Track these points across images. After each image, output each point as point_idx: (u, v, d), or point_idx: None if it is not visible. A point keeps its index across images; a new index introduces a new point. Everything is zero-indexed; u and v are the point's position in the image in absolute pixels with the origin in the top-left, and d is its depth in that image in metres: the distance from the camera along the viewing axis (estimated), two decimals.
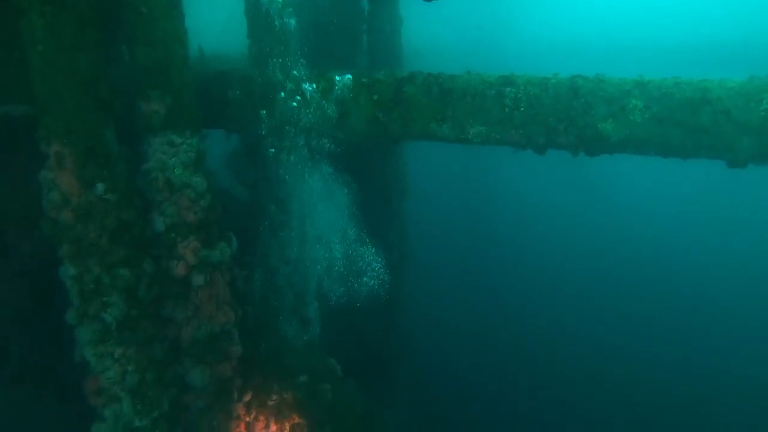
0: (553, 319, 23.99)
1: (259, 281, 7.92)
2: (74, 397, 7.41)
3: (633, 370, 21.00)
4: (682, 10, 34.49)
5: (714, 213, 30.33)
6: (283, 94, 6.67)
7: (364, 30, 9.86)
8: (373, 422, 7.50)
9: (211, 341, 6.63)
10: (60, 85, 5.13)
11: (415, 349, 12.88)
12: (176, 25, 5.87)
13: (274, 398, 7.50)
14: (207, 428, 6.88)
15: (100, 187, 5.47)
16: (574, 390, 19.44)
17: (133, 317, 5.92)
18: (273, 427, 7.43)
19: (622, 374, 20.84)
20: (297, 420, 7.45)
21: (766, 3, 28.25)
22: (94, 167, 5.43)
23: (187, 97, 6.02)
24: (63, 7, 5.01)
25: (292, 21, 6.69)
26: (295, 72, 6.68)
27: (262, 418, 7.44)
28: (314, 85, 6.65)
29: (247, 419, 7.42)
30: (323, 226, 8.18)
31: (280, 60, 6.58)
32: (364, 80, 6.44)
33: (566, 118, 5.90)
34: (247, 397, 7.39)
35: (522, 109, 6.00)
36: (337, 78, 6.55)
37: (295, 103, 6.64)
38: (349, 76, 6.50)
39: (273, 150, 6.95)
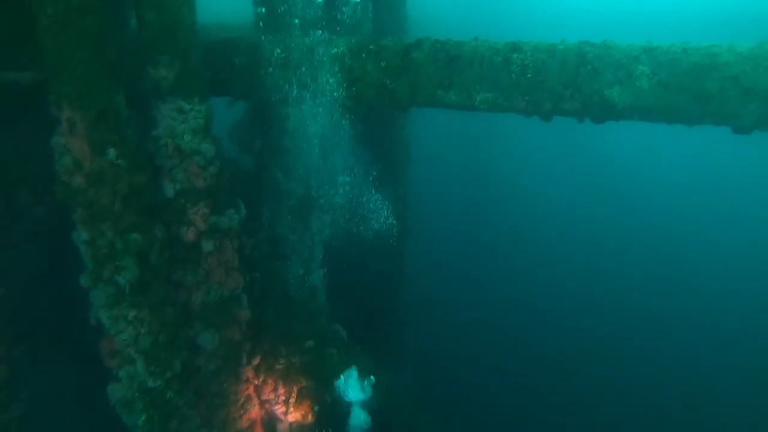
0: (556, 291, 24.24)
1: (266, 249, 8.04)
2: (88, 359, 7.65)
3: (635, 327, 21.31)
4: None
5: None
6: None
7: None
8: (378, 386, 7.66)
9: (220, 305, 6.78)
10: (70, 48, 5.14)
11: (418, 316, 13.10)
12: None
13: (281, 362, 7.68)
14: (217, 390, 7.08)
15: (111, 152, 5.53)
16: (578, 358, 19.75)
17: (146, 281, 6.03)
18: (281, 391, 7.63)
19: (622, 330, 21.17)
20: (304, 383, 7.65)
21: None
22: (105, 132, 5.48)
23: (195, 63, 6.04)
24: None
25: None
26: None
27: (270, 381, 7.64)
28: None
29: (256, 382, 7.63)
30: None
31: None
32: (371, 47, 6.44)
33: (572, 84, 5.92)
34: (256, 361, 7.57)
35: (529, 75, 6.00)
36: None
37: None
38: None
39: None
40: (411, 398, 8.78)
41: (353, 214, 9.09)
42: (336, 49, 6.53)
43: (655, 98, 5.67)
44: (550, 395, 18.39)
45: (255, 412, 7.50)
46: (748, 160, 30.78)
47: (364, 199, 9.14)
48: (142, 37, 5.86)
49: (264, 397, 7.63)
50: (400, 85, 6.31)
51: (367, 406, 7.08)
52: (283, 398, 7.58)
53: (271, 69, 6.75)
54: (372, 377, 7.18)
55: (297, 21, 6.89)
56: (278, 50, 6.71)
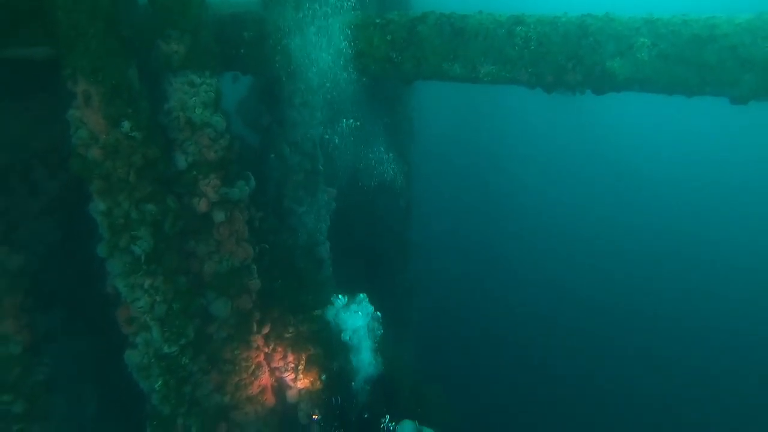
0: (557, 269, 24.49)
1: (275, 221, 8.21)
2: (101, 331, 7.89)
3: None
4: None
5: None
6: None
7: None
8: (384, 353, 7.90)
9: (232, 275, 6.99)
10: (84, 22, 5.27)
11: (423, 288, 13.33)
12: None
13: (290, 331, 7.91)
14: (229, 357, 7.31)
15: (126, 124, 5.68)
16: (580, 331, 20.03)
17: (160, 250, 6.22)
18: (290, 358, 7.87)
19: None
20: (312, 351, 7.88)
21: None
22: (120, 105, 5.62)
23: (206, 37, 6.15)
24: None
25: None
26: None
27: (279, 349, 7.88)
28: None
29: (266, 350, 7.86)
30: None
31: None
32: (377, 21, 6.54)
33: (575, 56, 6.04)
34: (266, 330, 7.80)
35: (532, 47, 6.13)
36: None
37: None
38: None
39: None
40: (415, 369, 9.03)
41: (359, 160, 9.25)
42: None
43: (655, 69, 5.80)
44: (551, 370, 18.72)
45: (265, 378, 7.74)
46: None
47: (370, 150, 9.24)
48: (153, 12, 5.97)
49: (274, 365, 7.87)
50: (406, 58, 6.43)
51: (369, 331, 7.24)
52: (292, 365, 7.83)
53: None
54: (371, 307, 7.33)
55: None
56: None
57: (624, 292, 23.31)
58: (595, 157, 33.86)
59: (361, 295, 7.44)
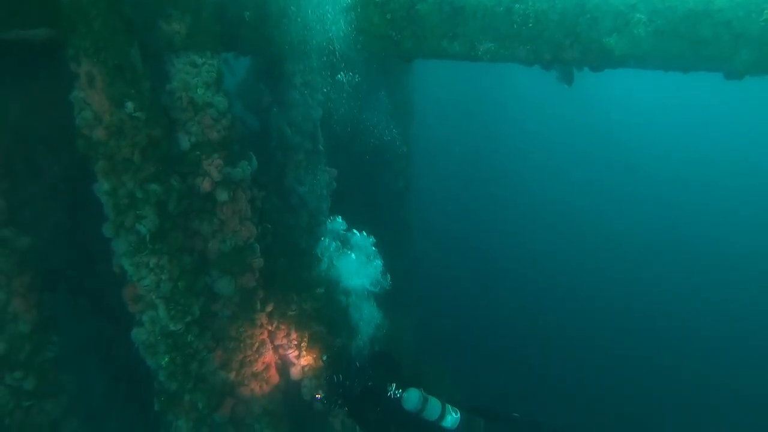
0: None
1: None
2: (105, 312, 8.03)
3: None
4: None
5: None
6: None
7: None
8: (386, 331, 8.06)
9: (235, 253, 7.10)
10: (86, 2, 5.31)
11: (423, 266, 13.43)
12: None
13: (293, 309, 8.05)
14: (234, 335, 7.46)
15: (129, 105, 5.74)
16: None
17: (165, 229, 6.32)
18: (293, 336, 8.02)
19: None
20: (315, 329, 8.03)
21: None
22: (123, 85, 5.68)
23: (207, 17, 6.19)
24: None
25: None
26: None
27: (283, 327, 8.02)
28: None
29: (270, 328, 8.01)
30: None
31: None
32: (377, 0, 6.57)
33: (572, 33, 6.11)
34: (269, 308, 7.94)
35: (530, 25, 6.18)
36: None
37: None
38: None
39: None
40: (416, 345, 9.16)
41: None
42: None
43: (651, 45, 5.88)
44: (552, 349, 18.92)
45: (269, 356, 7.89)
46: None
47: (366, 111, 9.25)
48: None
49: (277, 342, 8.03)
50: (405, 37, 6.48)
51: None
52: (296, 343, 7.99)
53: None
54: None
55: None
56: None
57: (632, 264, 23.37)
58: (602, 147, 33.82)
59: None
